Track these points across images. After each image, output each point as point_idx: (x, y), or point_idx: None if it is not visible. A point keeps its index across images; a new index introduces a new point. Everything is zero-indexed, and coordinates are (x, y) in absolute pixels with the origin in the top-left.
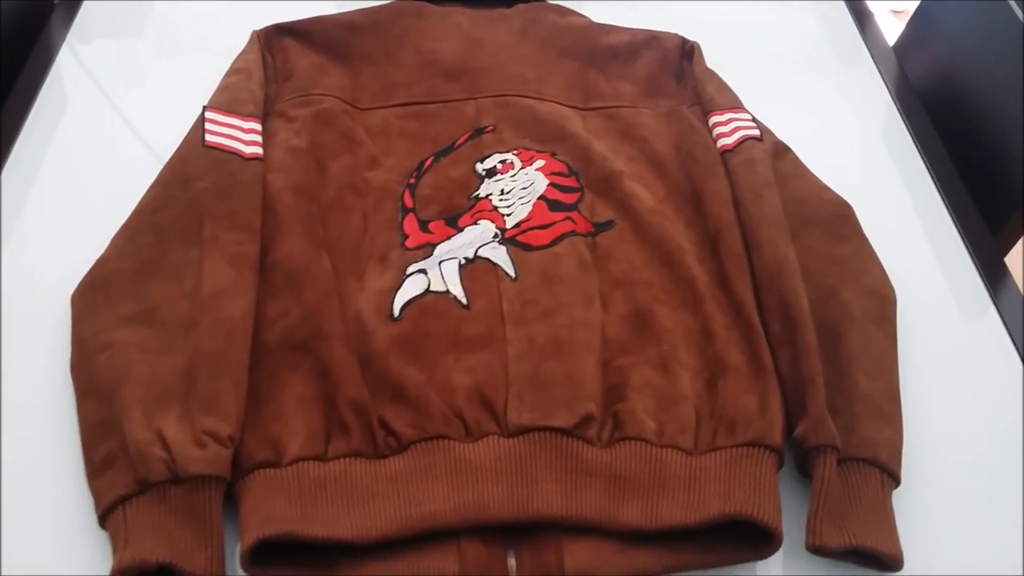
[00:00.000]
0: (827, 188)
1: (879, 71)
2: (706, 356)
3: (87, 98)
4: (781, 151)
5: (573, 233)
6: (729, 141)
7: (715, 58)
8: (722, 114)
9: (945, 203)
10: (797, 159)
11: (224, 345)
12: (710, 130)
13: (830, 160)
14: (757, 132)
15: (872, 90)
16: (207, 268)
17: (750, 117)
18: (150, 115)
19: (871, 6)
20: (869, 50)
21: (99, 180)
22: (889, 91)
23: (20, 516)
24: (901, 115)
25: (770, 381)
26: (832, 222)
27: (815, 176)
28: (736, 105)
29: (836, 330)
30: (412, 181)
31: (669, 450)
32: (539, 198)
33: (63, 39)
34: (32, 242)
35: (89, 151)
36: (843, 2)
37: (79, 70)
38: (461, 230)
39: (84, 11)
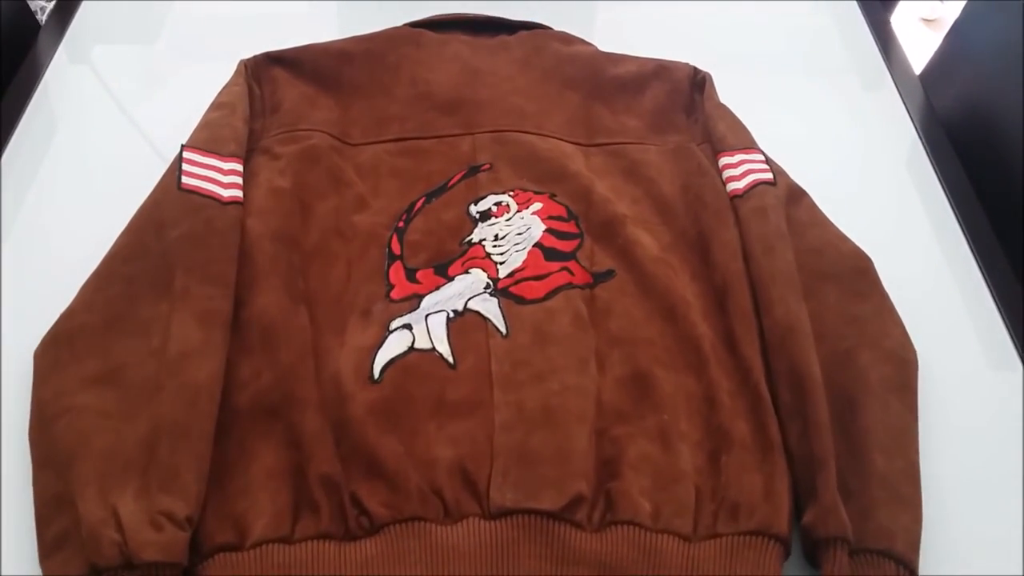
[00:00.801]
0: (845, 238)
1: (903, 99)
2: (709, 427)
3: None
4: (796, 196)
5: (569, 286)
6: (740, 185)
7: (730, 76)
8: (732, 155)
9: (972, 249)
10: (813, 205)
11: (187, 414)
12: (720, 171)
13: (847, 195)
14: (770, 176)
15: (895, 120)
16: (175, 326)
17: (763, 158)
18: (153, 121)
19: (902, 7)
20: (893, 77)
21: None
22: (913, 122)
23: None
24: (925, 148)
25: (777, 459)
26: (850, 277)
27: (832, 224)
28: (748, 145)
29: (851, 400)
30: (401, 225)
31: (665, 536)
32: (535, 245)
33: (49, 61)
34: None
35: (81, 162)
36: (867, 26)
37: (69, 87)
38: (451, 279)
39: (73, 29)
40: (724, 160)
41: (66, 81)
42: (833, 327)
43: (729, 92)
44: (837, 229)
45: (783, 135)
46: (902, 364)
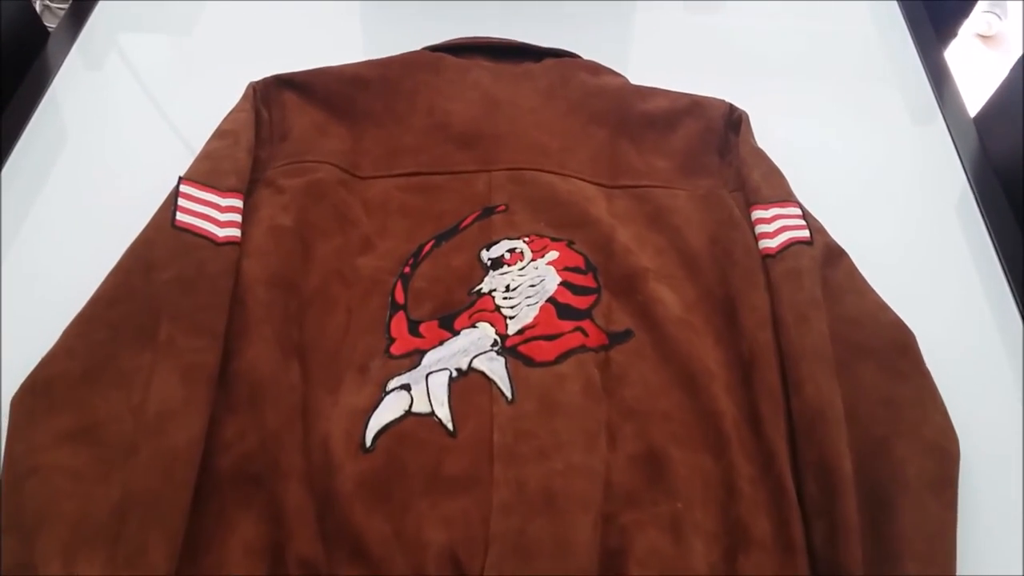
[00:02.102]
0: (886, 307)
1: (954, 141)
2: (726, 518)
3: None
4: (834, 256)
5: (583, 348)
6: (772, 244)
7: (768, 104)
8: (766, 208)
9: (1022, 312)
10: (852, 267)
11: (162, 484)
12: (752, 225)
13: (886, 240)
14: (806, 234)
15: (945, 162)
16: (157, 381)
17: (799, 212)
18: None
19: (959, 41)
20: (944, 116)
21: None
22: (963, 166)
23: None
24: (975, 195)
25: (800, 564)
26: (889, 353)
27: (872, 291)
28: (784, 198)
29: (885, 497)
30: (407, 270)
31: None
32: (548, 300)
33: (60, 65)
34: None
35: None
36: (920, 61)
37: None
38: (456, 333)
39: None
40: (757, 213)
41: (77, 87)
42: (868, 409)
43: (767, 122)
44: (877, 296)
45: (821, 170)
46: (942, 456)
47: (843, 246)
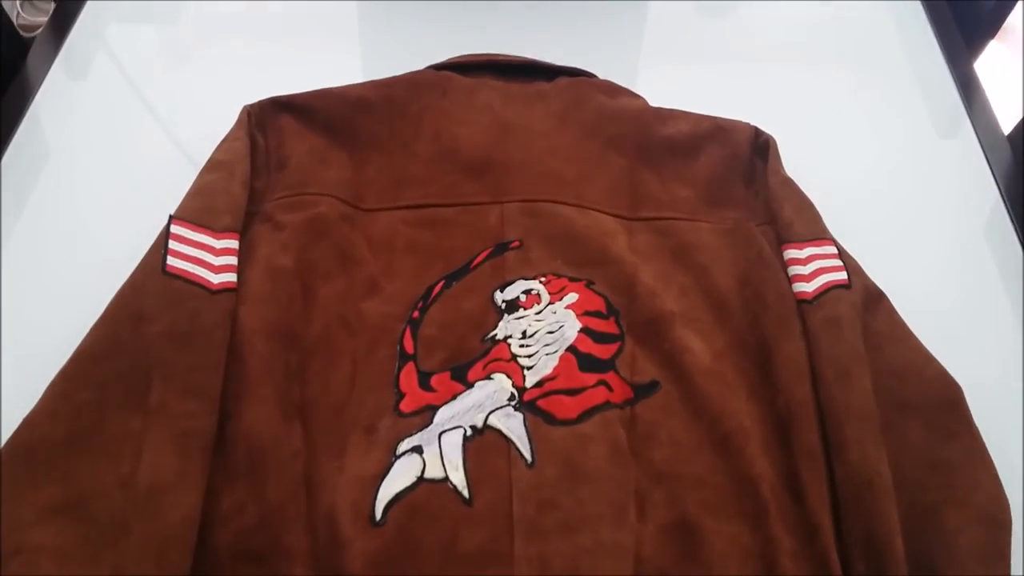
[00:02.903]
0: (930, 357)
1: (985, 155)
2: None
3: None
4: (874, 300)
5: (607, 405)
6: (808, 289)
7: (789, 112)
8: (801, 248)
9: None
10: (892, 311)
11: (155, 569)
12: (784, 265)
13: (915, 261)
14: (844, 276)
15: (976, 177)
16: (148, 450)
17: (835, 251)
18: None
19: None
20: (975, 127)
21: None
22: (996, 180)
23: None
24: (1009, 214)
25: None
26: (936, 410)
27: (914, 337)
28: (818, 235)
29: (935, 570)
30: (416, 315)
31: None
32: (568, 349)
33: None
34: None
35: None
36: (947, 69)
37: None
38: (471, 386)
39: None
40: (791, 253)
41: (60, 97)
42: (915, 473)
43: (789, 131)
44: (919, 344)
45: (848, 185)
46: (994, 526)
47: (862, 262)
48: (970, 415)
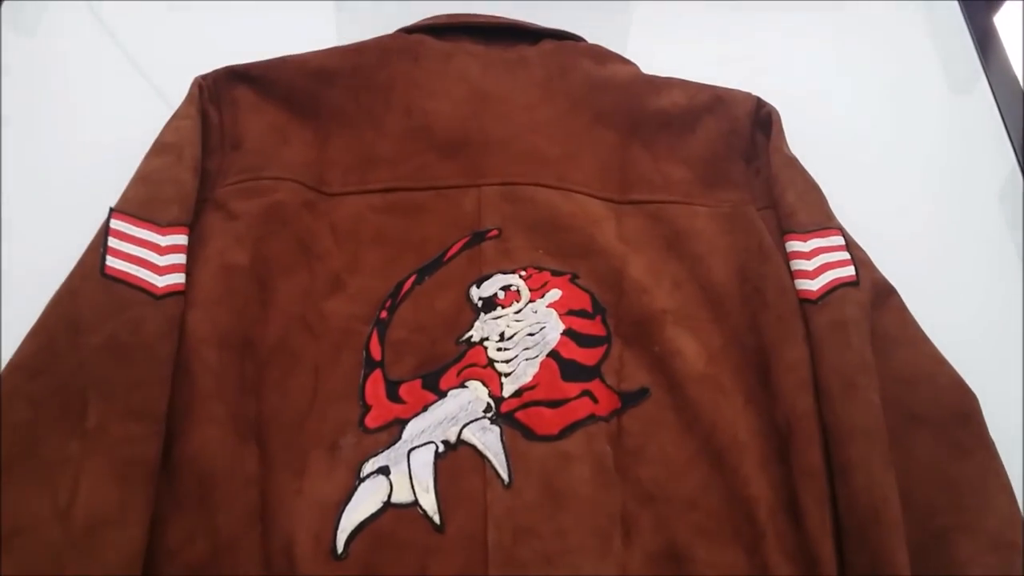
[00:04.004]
0: (943, 363)
1: (1001, 114)
2: None
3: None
4: (883, 296)
5: (592, 418)
6: (813, 286)
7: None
8: (805, 239)
9: None
10: (903, 308)
11: None
12: (787, 258)
13: (921, 230)
14: (851, 271)
15: (991, 140)
16: (86, 480)
17: (842, 242)
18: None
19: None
20: (991, 85)
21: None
22: (1011, 141)
23: None
24: None
25: None
26: (949, 424)
27: (927, 340)
28: (824, 223)
29: None
30: (384, 316)
31: None
32: (549, 354)
33: None
34: None
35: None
36: (964, 23)
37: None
38: (443, 395)
39: None
40: (794, 245)
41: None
42: (924, 492)
43: (796, 84)
44: (932, 347)
45: (855, 143)
46: (1008, 551)
47: (867, 232)
48: (985, 429)
